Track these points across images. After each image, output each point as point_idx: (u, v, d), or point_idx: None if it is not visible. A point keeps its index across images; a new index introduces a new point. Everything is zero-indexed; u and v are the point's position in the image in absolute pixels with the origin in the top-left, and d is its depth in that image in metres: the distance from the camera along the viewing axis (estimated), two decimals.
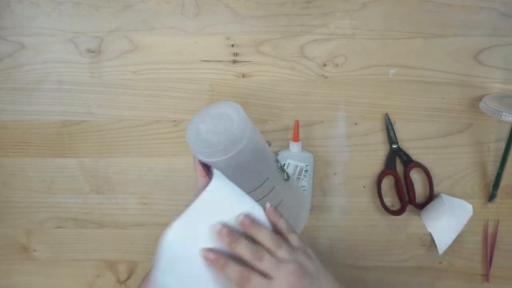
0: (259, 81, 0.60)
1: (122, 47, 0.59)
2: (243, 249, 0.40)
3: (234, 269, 0.39)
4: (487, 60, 0.58)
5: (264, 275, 0.40)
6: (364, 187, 0.64)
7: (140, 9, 0.57)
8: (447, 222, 0.60)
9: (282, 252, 0.41)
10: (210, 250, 0.40)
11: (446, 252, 0.62)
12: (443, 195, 0.62)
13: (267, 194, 0.47)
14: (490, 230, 0.65)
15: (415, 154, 0.62)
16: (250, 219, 0.41)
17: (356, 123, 0.61)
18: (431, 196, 0.63)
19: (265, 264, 0.40)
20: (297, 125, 0.60)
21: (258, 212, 0.42)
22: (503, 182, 0.61)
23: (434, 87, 0.59)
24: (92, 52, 0.59)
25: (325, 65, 0.59)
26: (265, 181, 0.46)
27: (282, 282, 0.39)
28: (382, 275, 0.67)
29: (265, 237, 0.41)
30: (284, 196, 0.49)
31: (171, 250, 0.39)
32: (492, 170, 0.62)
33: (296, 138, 0.60)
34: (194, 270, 0.40)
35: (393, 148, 0.61)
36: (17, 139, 0.63)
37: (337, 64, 0.59)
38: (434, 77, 0.59)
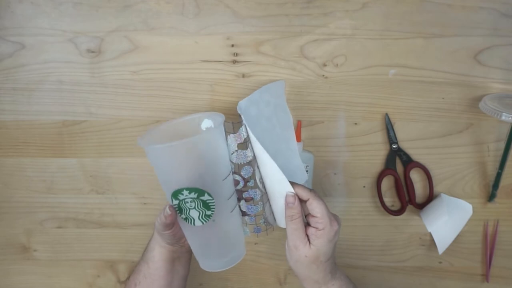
0: (259, 81, 0.60)
1: (122, 47, 0.59)
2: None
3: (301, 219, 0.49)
4: (487, 60, 0.58)
5: None
6: (364, 187, 0.64)
7: (140, 9, 0.57)
8: (447, 222, 0.60)
9: None
10: (292, 195, 0.49)
11: (446, 252, 0.62)
12: (443, 195, 0.62)
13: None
14: (490, 230, 0.65)
15: (415, 154, 0.62)
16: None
17: (356, 123, 0.61)
18: (431, 196, 0.63)
19: None
20: (299, 125, 0.60)
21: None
22: (503, 182, 0.61)
23: (434, 87, 0.59)
24: (92, 52, 0.59)
25: (325, 65, 0.59)
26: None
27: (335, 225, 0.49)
28: (382, 275, 0.67)
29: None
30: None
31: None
32: (492, 170, 0.62)
33: (298, 139, 0.60)
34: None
35: (393, 148, 0.61)
36: (17, 139, 0.63)
37: (337, 64, 0.59)
38: (434, 77, 0.59)
